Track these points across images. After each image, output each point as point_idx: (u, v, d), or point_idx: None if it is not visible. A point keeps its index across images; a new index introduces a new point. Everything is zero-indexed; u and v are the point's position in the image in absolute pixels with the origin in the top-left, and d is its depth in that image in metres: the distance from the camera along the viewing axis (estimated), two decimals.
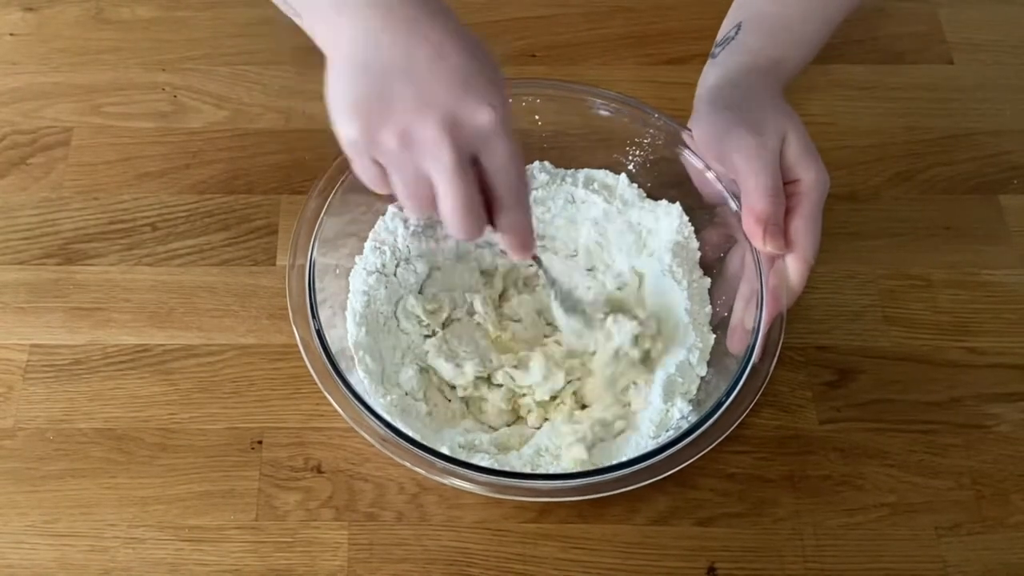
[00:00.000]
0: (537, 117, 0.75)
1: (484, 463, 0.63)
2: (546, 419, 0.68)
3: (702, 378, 0.67)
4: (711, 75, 0.70)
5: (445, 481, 0.60)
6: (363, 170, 0.56)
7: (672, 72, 0.86)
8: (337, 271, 0.70)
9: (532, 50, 0.88)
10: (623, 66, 0.87)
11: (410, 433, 0.61)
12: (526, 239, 0.59)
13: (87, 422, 0.69)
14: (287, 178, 0.80)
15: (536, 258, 0.65)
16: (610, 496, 0.61)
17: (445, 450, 0.62)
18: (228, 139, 0.82)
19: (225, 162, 0.81)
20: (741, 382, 0.63)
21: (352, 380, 0.63)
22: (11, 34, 0.88)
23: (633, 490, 0.61)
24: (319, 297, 0.65)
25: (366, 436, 0.61)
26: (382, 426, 0.60)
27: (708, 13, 0.90)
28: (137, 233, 0.77)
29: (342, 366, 0.63)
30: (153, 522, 0.65)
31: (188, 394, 0.70)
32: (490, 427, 0.68)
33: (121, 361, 0.71)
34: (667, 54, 0.88)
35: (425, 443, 0.61)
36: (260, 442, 0.68)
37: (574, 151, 0.75)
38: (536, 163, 0.75)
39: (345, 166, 0.70)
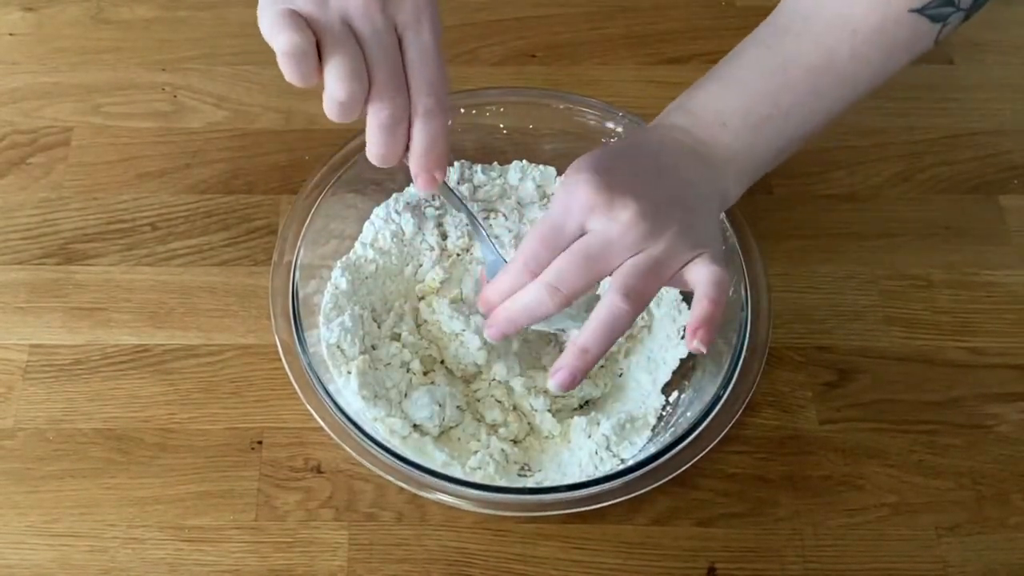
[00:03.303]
0: (502, 125, 0.75)
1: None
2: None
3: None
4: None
5: (432, 496, 0.61)
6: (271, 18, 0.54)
7: (672, 72, 0.87)
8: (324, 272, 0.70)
9: (532, 50, 0.88)
10: (623, 66, 0.87)
11: (393, 447, 0.62)
12: (439, 154, 0.58)
13: (87, 422, 0.69)
14: (287, 178, 0.80)
15: (447, 188, 0.63)
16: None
17: (435, 465, 0.63)
18: (228, 139, 0.82)
19: (225, 162, 0.81)
20: (733, 381, 0.63)
21: (339, 382, 0.65)
22: (11, 34, 0.88)
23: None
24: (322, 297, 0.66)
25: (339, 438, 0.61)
26: (360, 434, 0.61)
27: (708, 13, 0.91)
28: (137, 233, 0.77)
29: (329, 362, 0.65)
30: (153, 522, 0.65)
31: (188, 394, 0.70)
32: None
33: (121, 361, 0.71)
34: (667, 54, 0.88)
35: (409, 457, 0.61)
36: (260, 442, 0.68)
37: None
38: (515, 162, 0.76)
39: (337, 167, 0.71)
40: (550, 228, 0.57)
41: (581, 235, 0.57)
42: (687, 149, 0.62)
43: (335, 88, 0.55)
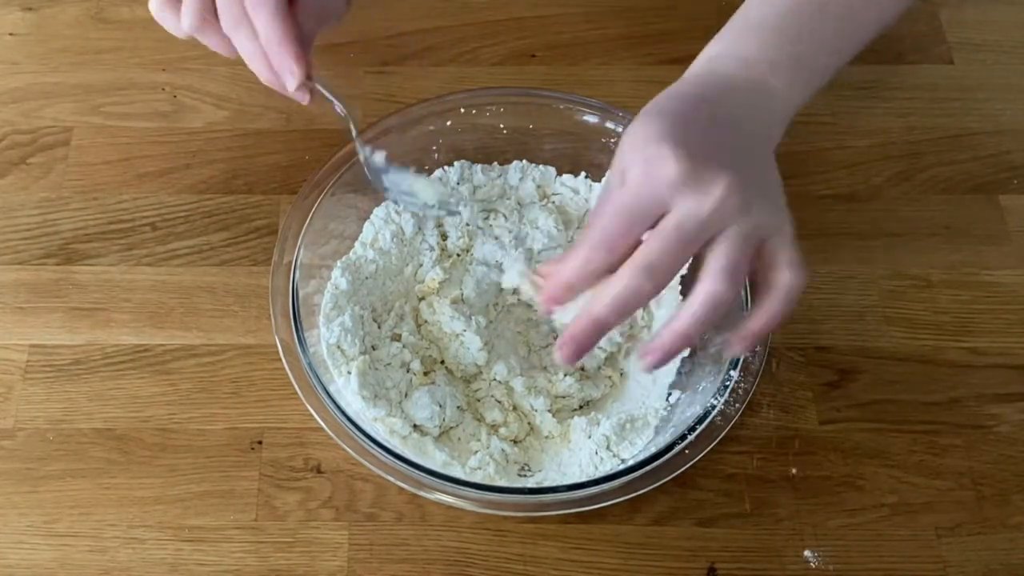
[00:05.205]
0: (502, 125, 0.75)
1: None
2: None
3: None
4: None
5: (432, 496, 0.61)
6: None
7: (672, 72, 0.84)
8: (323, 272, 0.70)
9: (532, 50, 0.88)
10: (623, 66, 0.87)
11: (393, 447, 0.62)
12: (282, 42, 0.58)
13: (87, 422, 0.69)
14: (287, 178, 0.80)
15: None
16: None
17: (435, 466, 0.63)
18: (228, 139, 0.82)
19: (225, 162, 0.81)
20: (733, 381, 0.63)
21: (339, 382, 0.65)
22: (11, 34, 0.88)
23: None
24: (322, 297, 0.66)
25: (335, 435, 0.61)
26: (360, 433, 0.62)
27: (708, 13, 0.90)
28: (137, 233, 0.77)
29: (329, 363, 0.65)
30: (153, 522, 0.65)
31: (188, 394, 0.70)
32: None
33: (121, 361, 0.71)
34: (667, 54, 0.88)
35: (412, 458, 0.62)
36: (260, 442, 0.68)
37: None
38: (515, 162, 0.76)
39: (338, 165, 0.71)
40: (631, 207, 0.53)
41: (663, 213, 0.53)
42: (744, 94, 0.59)
43: None
